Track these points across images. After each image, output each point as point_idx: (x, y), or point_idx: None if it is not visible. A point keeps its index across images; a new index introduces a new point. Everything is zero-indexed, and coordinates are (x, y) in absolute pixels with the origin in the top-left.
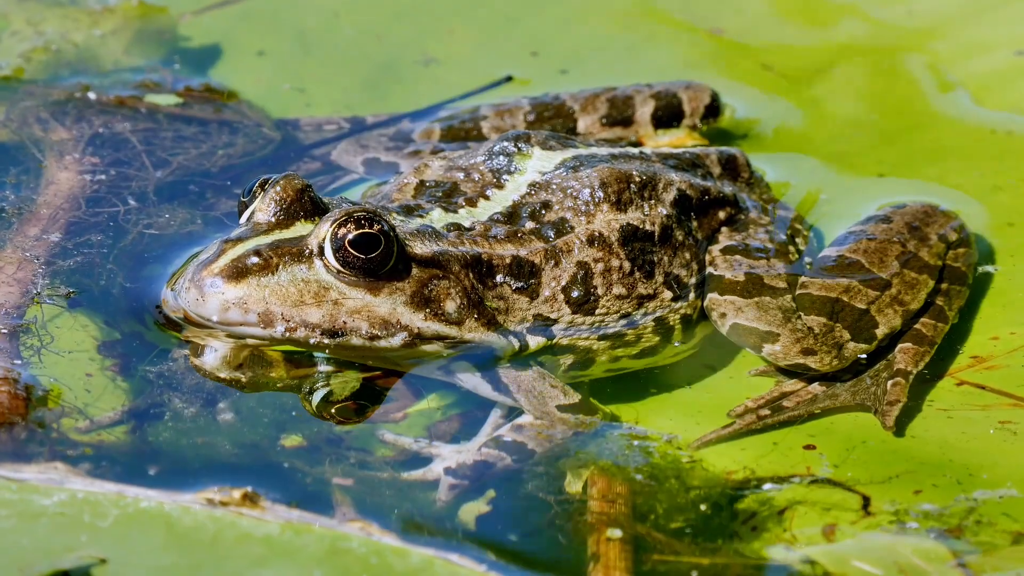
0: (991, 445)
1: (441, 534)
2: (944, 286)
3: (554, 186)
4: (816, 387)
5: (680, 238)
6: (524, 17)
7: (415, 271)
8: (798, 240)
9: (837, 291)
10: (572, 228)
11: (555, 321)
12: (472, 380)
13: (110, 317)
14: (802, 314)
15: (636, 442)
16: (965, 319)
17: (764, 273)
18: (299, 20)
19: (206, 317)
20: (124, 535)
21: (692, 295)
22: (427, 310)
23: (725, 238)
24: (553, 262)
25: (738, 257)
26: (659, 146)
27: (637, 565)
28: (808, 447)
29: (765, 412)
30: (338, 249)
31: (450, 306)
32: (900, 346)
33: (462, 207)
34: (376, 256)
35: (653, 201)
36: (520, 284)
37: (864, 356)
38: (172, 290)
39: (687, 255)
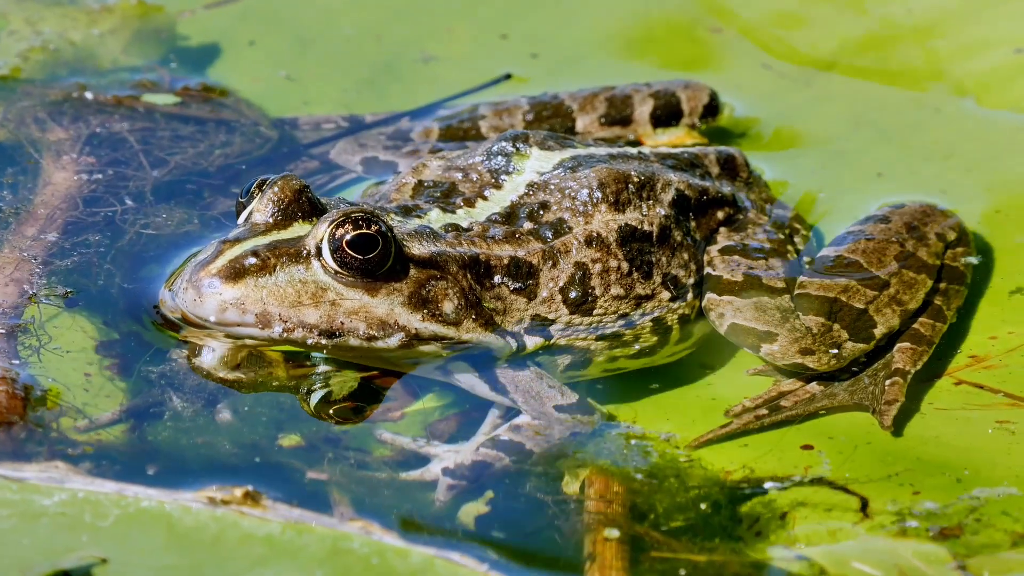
0: (990, 444)
1: (440, 534)
2: (942, 286)
3: (552, 186)
4: (814, 387)
5: (678, 238)
6: (524, 16)
7: (413, 272)
8: (797, 240)
9: (835, 291)
10: (570, 229)
11: (553, 322)
12: (470, 380)
13: (108, 317)
14: (800, 314)
15: (634, 442)
16: (963, 319)
17: (762, 273)
18: (298, 19)
19: (204, 317)
20: (125, 535)
21: (690, 295)
22: (425, 311)
23: (723, 238)
24: (551, 263)
25: (736, 257)
26: (658, 145)
27: (635, 565)
28: (806, 447)
29: (763, 412)
30: (336, 250)
31: (448, 307)
32: (898, 346)
33: (460, 207)
34: (374, 257)
35: (651, 201)
36: (518, 285)
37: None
38: (170, 290)
39: (685, 255)
